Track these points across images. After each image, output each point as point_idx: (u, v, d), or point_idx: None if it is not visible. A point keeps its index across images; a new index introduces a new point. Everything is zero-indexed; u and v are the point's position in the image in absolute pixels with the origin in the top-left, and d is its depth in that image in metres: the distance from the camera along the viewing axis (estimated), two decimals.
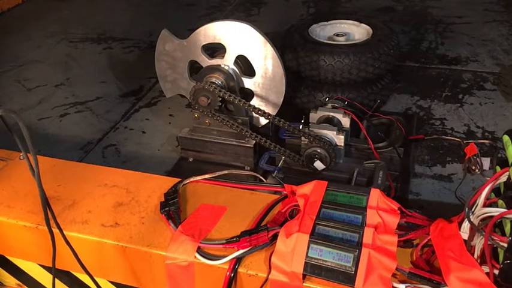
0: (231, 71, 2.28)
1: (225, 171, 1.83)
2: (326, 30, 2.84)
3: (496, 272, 1.25)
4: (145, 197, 1.75)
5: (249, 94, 2.34)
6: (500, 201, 1.30)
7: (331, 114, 2.23)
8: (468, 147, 2.33)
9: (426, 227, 1.47)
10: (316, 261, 1.37)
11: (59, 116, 2.95)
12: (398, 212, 1.48)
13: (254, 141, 2.29)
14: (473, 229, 1.29)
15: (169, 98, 2.58)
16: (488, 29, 3.84)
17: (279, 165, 2.21)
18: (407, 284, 1.33)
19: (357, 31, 2.81)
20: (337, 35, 2.75)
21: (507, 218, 1.25)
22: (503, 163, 1.38)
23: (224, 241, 1.50)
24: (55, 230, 1.49)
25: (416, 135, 2.57)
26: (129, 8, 4.64)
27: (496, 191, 1.36)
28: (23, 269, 1.85)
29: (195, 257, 1.47)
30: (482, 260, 1.28)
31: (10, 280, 1.92)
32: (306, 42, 2.60)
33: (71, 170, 1.93)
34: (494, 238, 1.23)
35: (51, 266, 1.53)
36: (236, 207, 1.68)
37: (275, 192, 1.76)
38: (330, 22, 2.86)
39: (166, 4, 4.64)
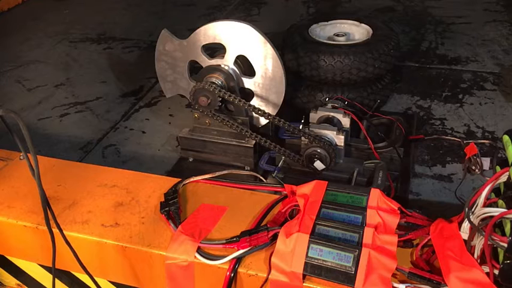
0: (231, 71, 2.28)
1: (225, 171, 1.83)
2: (326, 30, 2.84)
3: (496, 272, 1.25)
4: (145, 197, 1.75)
5: (249, 94, 2.34)
6: (500, 201, 1.30)
7: (331, 114, 2.23)
8: (468, 147, 2.33)
9: (426, 227, 1.47)
10: (316, 261, 1.37)
11: (59, 116, 2.95)
12: (398, 212, 1.48)
13: (254, 141, 2.29)
14: (473, 229, 1.29)
15: (169, 98, 2.58)
16: (488, 29, 3.84)
17: (279, 165, 2.21)
18: (407, 284, 1.33)
19: (357, 31, 2.81)
20: (337, 35, 2.75)
21: (507, 218, 1.25)
22: (503, 163, 1.38)
23: (224, 241, 1.50)
24: (55, 230, 1.49)
25: (416, 135, 2.57)
26: (129, 8, 4.64)
27: (496, 191, 1.36)
28: (23, 269, 1.85)
29: (195, 257, 1.47)
30: (482, 260, 1.28)
31: (10, 280, 1.92)
32: (306, 42, 2.60)
33: (71, 170, 1.92)
34: (494, 238, 1.23)
35: (51, 266, 1.53)
36: (236, 207, 1.67)
37: (275, 192, 1.76)
38: (330, 22, 2.86)
39: (166, 4, 4.64)
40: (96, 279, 1.61)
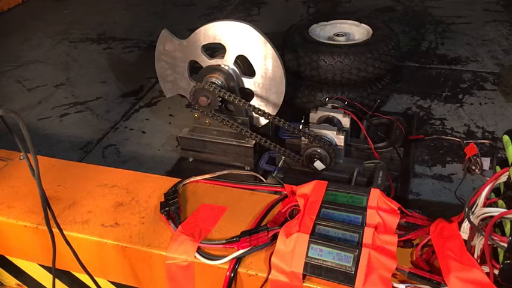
0: (231, 71, 2.28)
1: (225, 171, 1.83)
2: (326, 30, 2.84)
3: (496, 272, 1.25)
4: (145, 197, 1.75)
5: (249, 94, 2.34)
6: (500, 201, 1.30)
7: (331, 114, 2.23)
8: (468, 147, 2.33)
9: (426, 227, 1.47)
10: (316, 261, 1.37)
11: (59, 116, 2.95)
12: (398, 212, 1.48)
13: (254, 141, 2.29)
14: (473, 229, 1.29)
15: (169, 98, 2.58)
16: (488, 29, 3.84)
17: (279, 165, 2.21)
18: (407, 284, 1.33)
19: (357, 31, 2.81)
20: (337, 35, 2.75)
21: (507, 218, 1.25)
22: (503, 163, 1.38)
23: (224, 241, 1.50)
24: (55, 230, 1.49)
25: (416, 135, 2.57)
26: (129, 8, 4.64)
27: (496, 191, 1.36)
28: (23, 269, 1.85)
29: (195, 257, 1.47)
30: (482, 260, 1.28)
31: (10, 280, 1.92)
32: (306, 42, 2.60)
33: (71, 170, 1.92)
34: (494, 238, 1.23)
35: (51, 266, 1.53)
36: (236, 207, 1.67)
37: (275, 192, 1.76)
38: (330, 22, 2.86)
39: (166, 4, 4.64)
40: (96, 279, 1.61)
